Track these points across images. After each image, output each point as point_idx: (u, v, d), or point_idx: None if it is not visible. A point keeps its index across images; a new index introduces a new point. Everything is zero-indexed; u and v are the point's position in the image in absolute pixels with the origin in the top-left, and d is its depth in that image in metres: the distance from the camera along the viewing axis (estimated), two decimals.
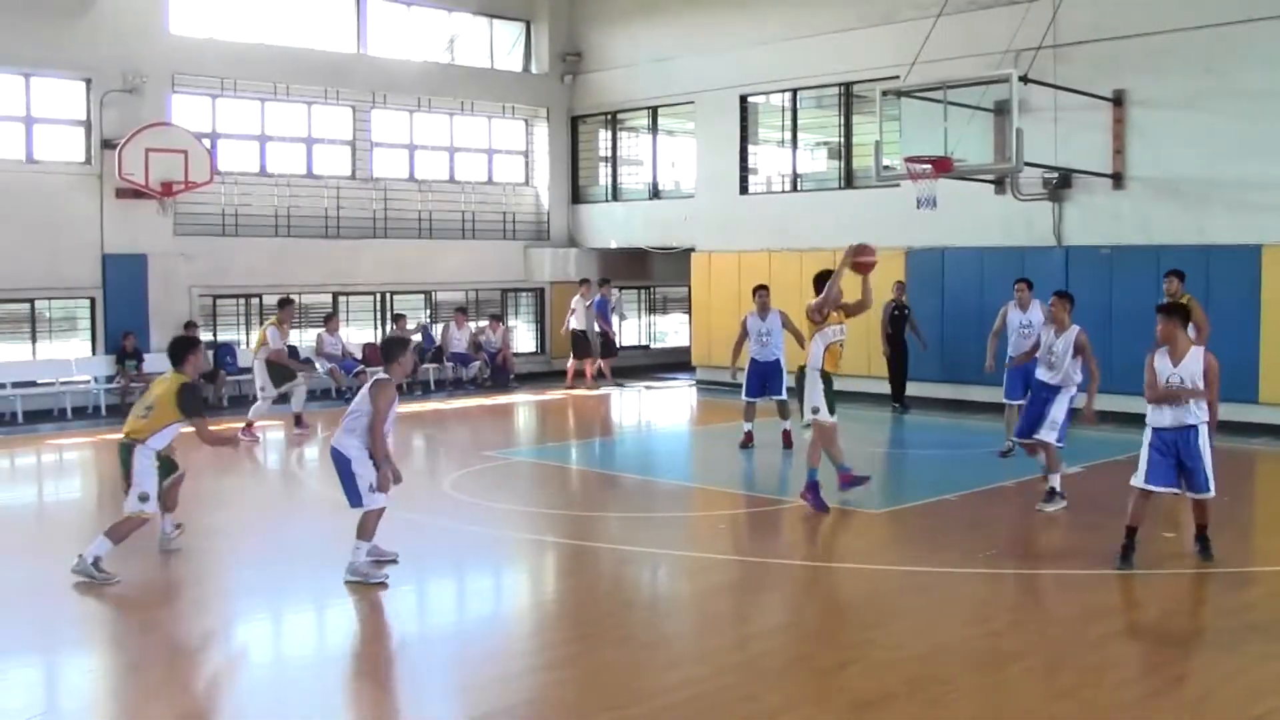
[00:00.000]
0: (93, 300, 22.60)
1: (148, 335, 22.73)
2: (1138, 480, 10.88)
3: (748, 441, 16.91)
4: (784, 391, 16.98)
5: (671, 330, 32.71)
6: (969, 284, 21.36)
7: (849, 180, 24.37)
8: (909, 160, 18.63)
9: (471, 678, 8.39)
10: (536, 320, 29.49)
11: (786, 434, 17.01)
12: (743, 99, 26.02)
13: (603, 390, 25.38)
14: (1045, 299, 20.17)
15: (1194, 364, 10.78)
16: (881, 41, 22.61)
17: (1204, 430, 10.78)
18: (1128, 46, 19.81)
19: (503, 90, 28.80)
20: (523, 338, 29.13)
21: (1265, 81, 18.56)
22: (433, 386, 25.34)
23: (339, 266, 25.69)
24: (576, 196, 29.90)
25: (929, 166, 18.44)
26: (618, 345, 27.33)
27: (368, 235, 26.34)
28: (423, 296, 27.42)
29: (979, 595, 10.22)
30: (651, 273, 29.51)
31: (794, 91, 25.26)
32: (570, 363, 26.22)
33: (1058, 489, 13.21)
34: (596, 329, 26.07)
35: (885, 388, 21.72)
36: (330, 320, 24.75)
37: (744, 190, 26.25)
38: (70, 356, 22.33)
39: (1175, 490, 10.91)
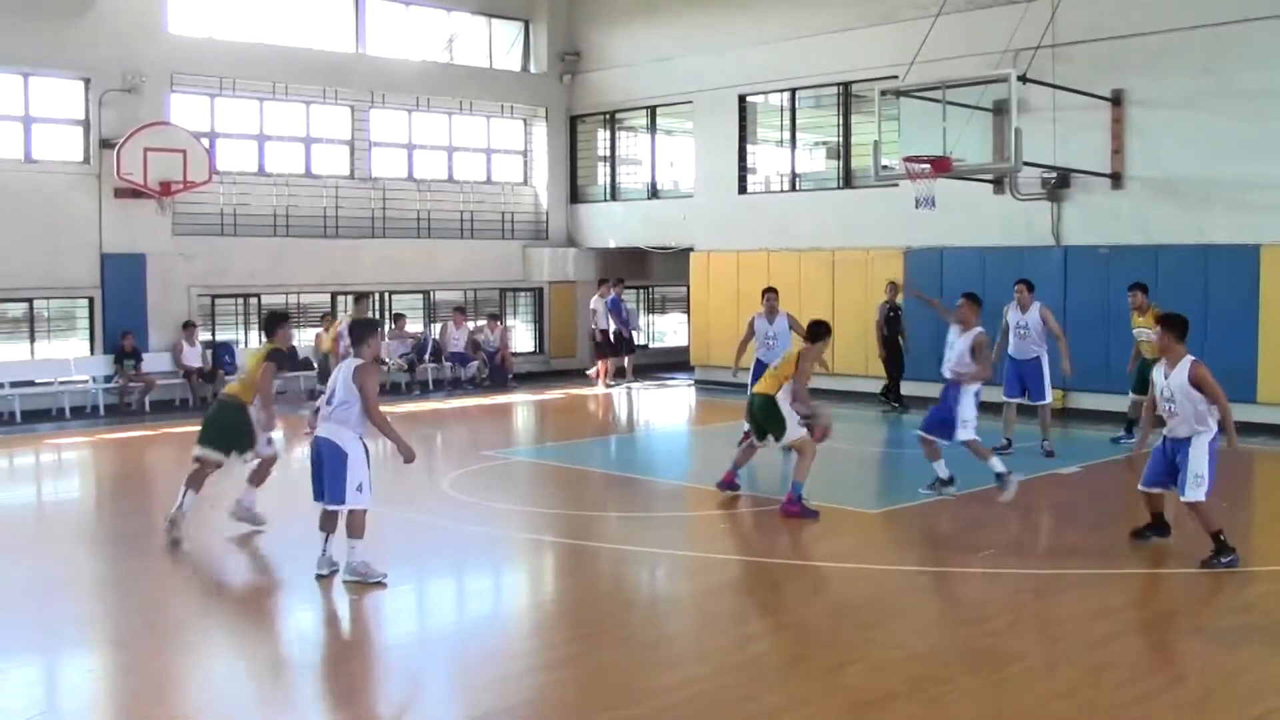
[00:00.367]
0: (91, 300, 22.58)
1: (146, 335, 22.74)
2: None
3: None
4: None
5: (670, 330, 32.71)
6: (968, 284, 21.08)
7: (848, 180, 24.37)
8: (908, 160, 18.64)
9: (471, 677, 8.38)
10: (535, 320, 29.48)
11: None
12: (741, 98, 26.02)
13: (609, 389, 25.34)
14: (1046, 299, 20.30)
15: (1181, 375, 10.79)
16: (880, 41, 22.62)
17: (1200, 439, 10.70)
18: (1126, 46, 19.82)
19: (501, 90, 28.79)
20: (521, 337, 29.12)
21: (1264, 81, 18.56)
22: (431, 386, 25.32)
23: (337, 266, 25.68)
24: (575, 196, 29.89)
25: (928, 166, 18.45)
26: (633, 343, 27.18)
27: (366, 235, 26.34)
28: (421, 296, 27.41)
29: (978, 595, 10.22)
30: (650, 272, 29.50)
31: (793, 91, 25.26)
32: (599, 364, 26.22)
33: (1003, 471, 13.35)
34: (612, 327, 26.07)
35: (879, 387, 21.73)
36: (327, 320, 24.76)
37: (743, 190, 26.25)
38: (69, 356, 22.32)
39: (1162, 489, 11.14)
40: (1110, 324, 19.87)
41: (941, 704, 7.50)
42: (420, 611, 10.31)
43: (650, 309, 32.02)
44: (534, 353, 29.15)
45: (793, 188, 25.68)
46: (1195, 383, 10.72)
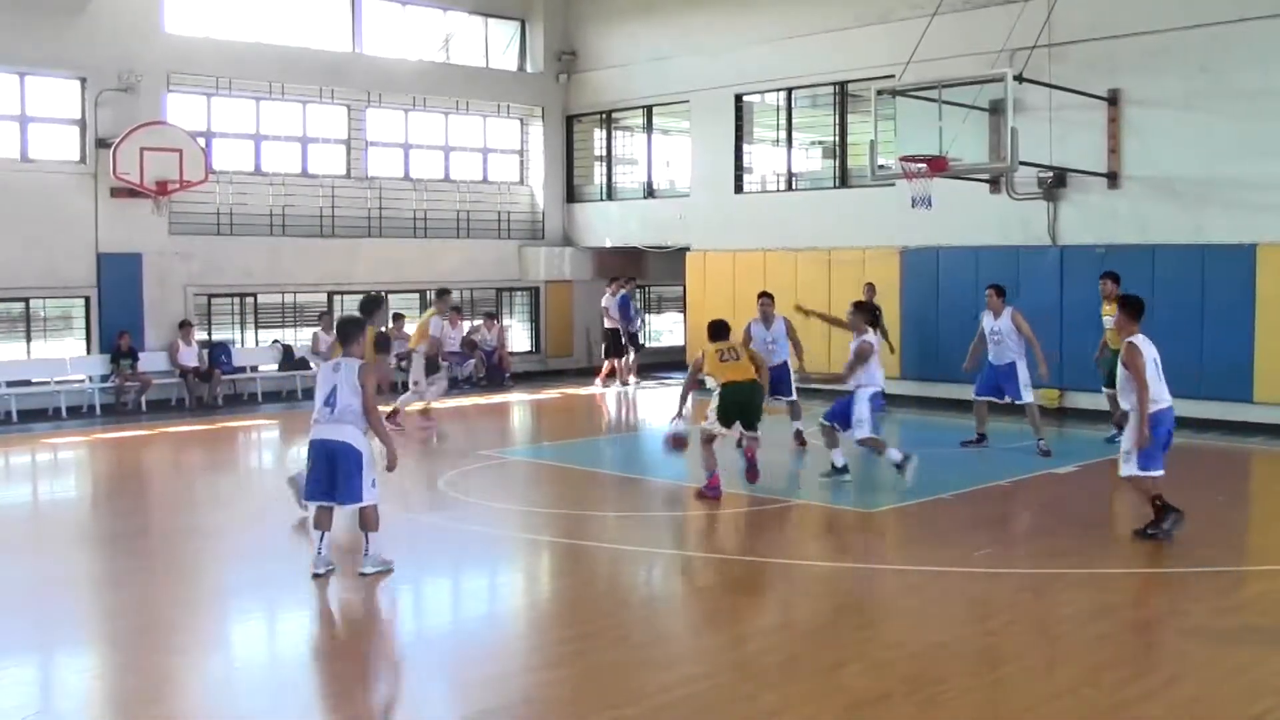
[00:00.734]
0: (87, 299, 22.58)
1: (142, 334, 22.73)
2: None
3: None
4: (794, 392, 17.20)
5: (666, 329, 32.71)
6: (964, 283, 21.33)
7: (844, 179, 24.37)
8: (904, 159, 18.64)
9: (468, 676, 8.38)
10: (531, 319, 29.48)
11: (799, 434, 17.07)
12: (738, 98, 26.02)
13: (613, 388, 25.32)
14: (1042, 299, 20.36)
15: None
16: (877, 41, 22.62)
17: (1132, 416, 11.36)
18: (1123, 46, 19.82)
19: (498, 89, 28.79)
20: (518, 337, 29.12)
21: (1260, 81, 18.56)
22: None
23: (334, 266, 25.68)
24: (572, 195, 29.89)
25: (924, 166, 18.45)
26: (639, 342, 27.08)
27: (363, 234, 26.33)
28: (418, 296, 27.39)
29: (975, 594, 10.22)
30: (646, 272, 29.50)
31: (789, 91, 25.26)
32: (608, 362, 26.18)
33: (899, 460, 14.08)
34: (616, 326, 26.03)
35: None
36: (325, 320, 24.77)
37: (739, 189, 26.25)
38: (65, 355, 22.31)
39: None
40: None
41: (938, 703, 7.50)
42: (417, 610, 10.31)
43: (646, 308, 32.00)
44: (530, 352, 29.15)
45: (789, 187, 25.68)
46: (1124, 362, 11.35)
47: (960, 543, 12.04)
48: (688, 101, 26.97)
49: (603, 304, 26.58)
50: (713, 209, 26.30)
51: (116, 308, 22.54)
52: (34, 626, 9.51)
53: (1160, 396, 11.28)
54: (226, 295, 24.51)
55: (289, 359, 24.45)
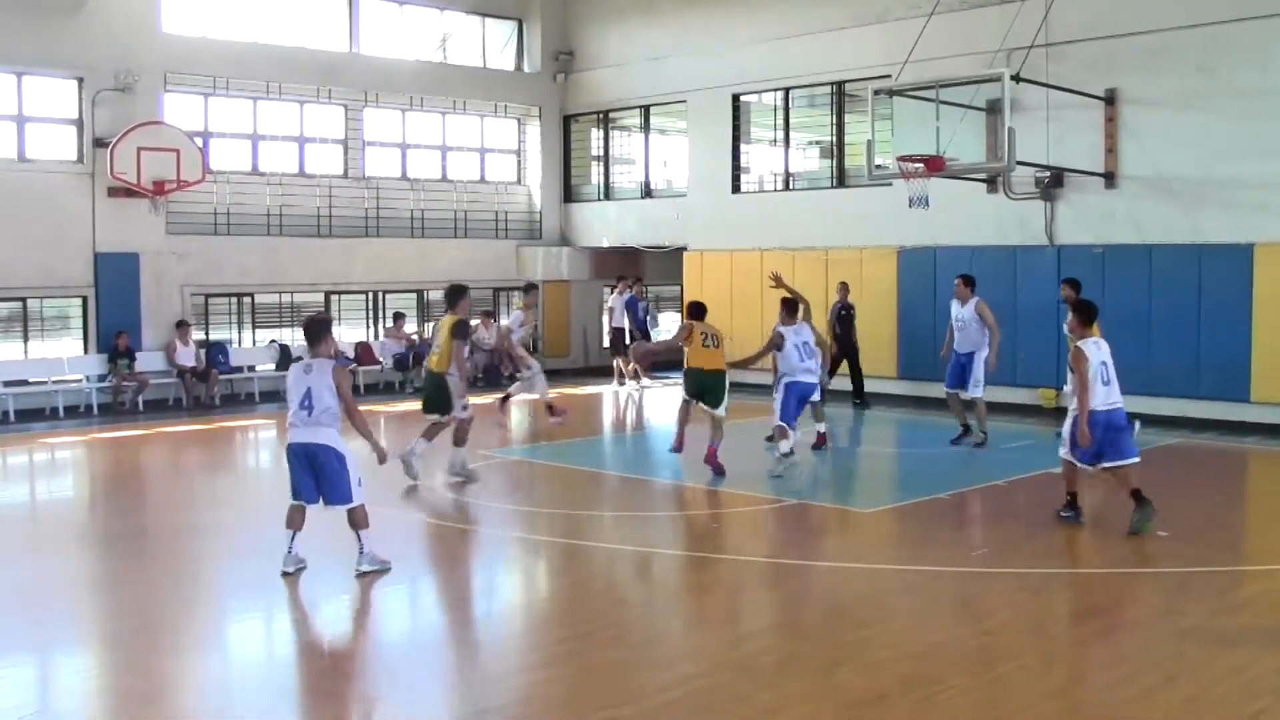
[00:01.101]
0: (85, 299, 22.57)
1: (140, 334, 22.72)
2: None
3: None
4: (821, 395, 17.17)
5: (664, 329, 32.65)
6: None
7: (841, 179, 24.39)
8: (901, 159, 18.65)
9: (464, 676, 8.39)
10: None
11: (821, 436, 17.07)
12: (735, 98, 26.03)
13: (627, 385, 25.26)
14: (1039, 298, 20.40)
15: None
16: (874, 40, 22.65)
17: (1070, 412, 12.33)
18: (1120, 45, 19.84)
19: (495, 89, 28.79)
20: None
21: (1257, 80, 18.58)
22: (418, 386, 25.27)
23: (331, 265, 25.68)
24: (569, 195, 29.90)
25: (921, 165, 18.45)
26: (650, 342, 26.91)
27: (360, 234, 26.34)
28: (415, 296, 27.40)
29: (971, 594, 10.22)
30: (644, 272, 29.49)
31: (786, 90, 25.28)
32: (617, 361, 26.13)
33: (786, 452, 14.91)
34: (628, 325, 25.98)
35: (849, 385, 21.76)
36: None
37: (736, 189, 26.27)
38: (63, 355, 22.30)
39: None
40: (1104, 324, 19.82)
41: (934, 703, 7.50)
42: (414, 610, 10.31)
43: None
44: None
45: (786, 187, 25.70)
46: (1070, 364, 12.23)
47: (957, 542, 12.06)
48: (685, 101, 26.99)
49: (609, 304, 26.55)
50: (710, 209, 26.31)
51: (114, 307, 22.53)
52: (32, 626, 9.50)
53: (1105, 399, 12.00)
54: (224, 295, 24.51)
55: (286, 359, 24.42)
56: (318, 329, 10.72)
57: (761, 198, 26.10)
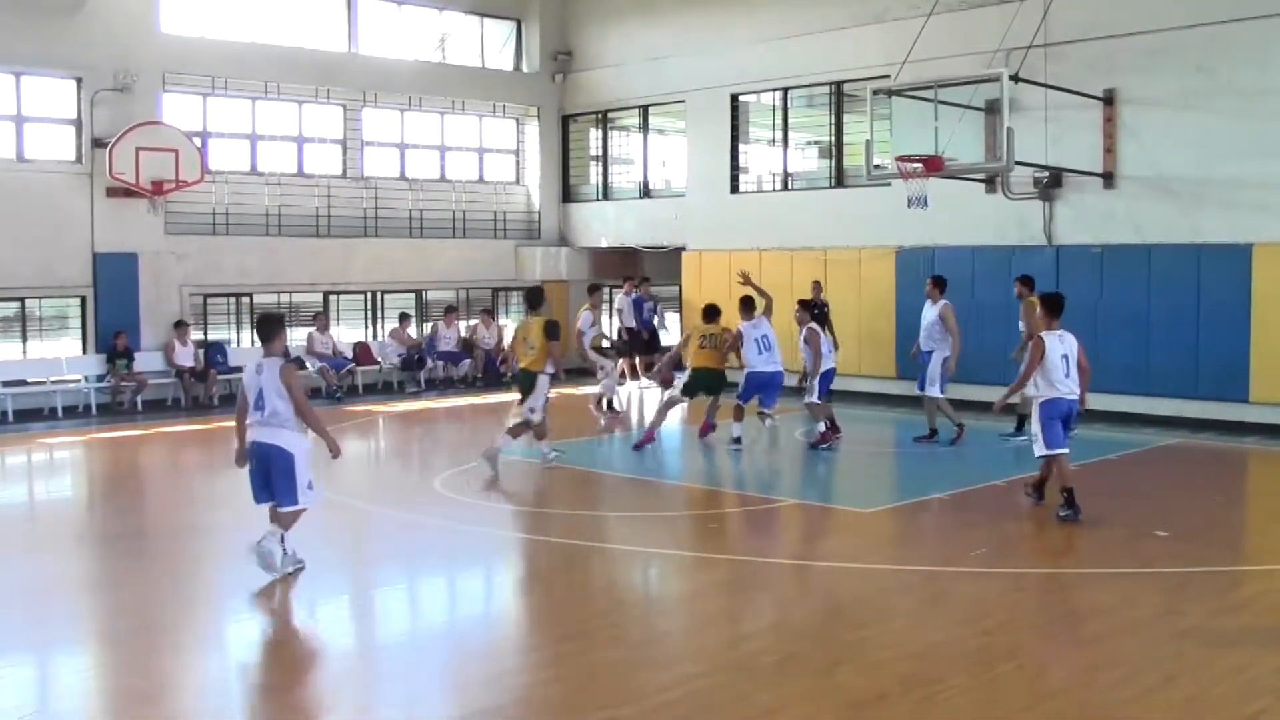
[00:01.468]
0: (84, 299, 22.55)
1: (138, 334, 22.71)
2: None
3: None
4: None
5: (662, 329, 32.61)
6: (960, 283, 21.30)
7: (840, 179, 24.39)
8: (900, 159, 18.63)
9: (463, 676, 8.38)
10: None
11: (824, 434, 17.30)
12: (734, 98, 26.03)
13: (640, 383, 25.21)
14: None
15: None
16: (872, 40, 22.65)
17: (1034, 404, 12.74)
18: (1119, 45, 19.84)
19: (494, 89, 28.78)
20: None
21: (1257, 81, 18.58)
22: (423, 385, 25.28)
23: (330, 265, 25.68)
24: (567, 195, 29.89)
25: (920, 165, 18.44)
26: (656, 342, 26.74)
27: (359, 234, 26.33)
28: (413, 295, 27.39)
29: (971, 594, 10.22)
30: (642, 271, 29.48)
31: (785, 90, 25.27)
32: (622, 362, 26.03)
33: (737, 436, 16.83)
34: (632, 325, 25.90)
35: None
36: (320, 319, 24.77)
37: (735, 189, 26.27)
38: (61, 355, 22.29)
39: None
40: (1103, 324, 19.91)
41: (934, 703, 7.50)
42: (412, 610, 10.30)
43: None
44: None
45: (785, 187, 25.70)
46: (1030, 350, 12.88)
47: (956, 542, 12.05)
48: (683, 101, 26.98)
49: (616, 305, 26.52)
50: (709, 209, 26.31)
51: (112, 308, 22.51)
52: (30, 626, 9.50)
53: (1067, 389, 12.50)
54: (222, 295, 24.48)
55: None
56: (269, 327, 10.62)
57: (760, 198, 26.10)
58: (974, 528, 12.70)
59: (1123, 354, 19.82)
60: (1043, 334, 12.70)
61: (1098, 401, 19.91)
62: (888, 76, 20.36)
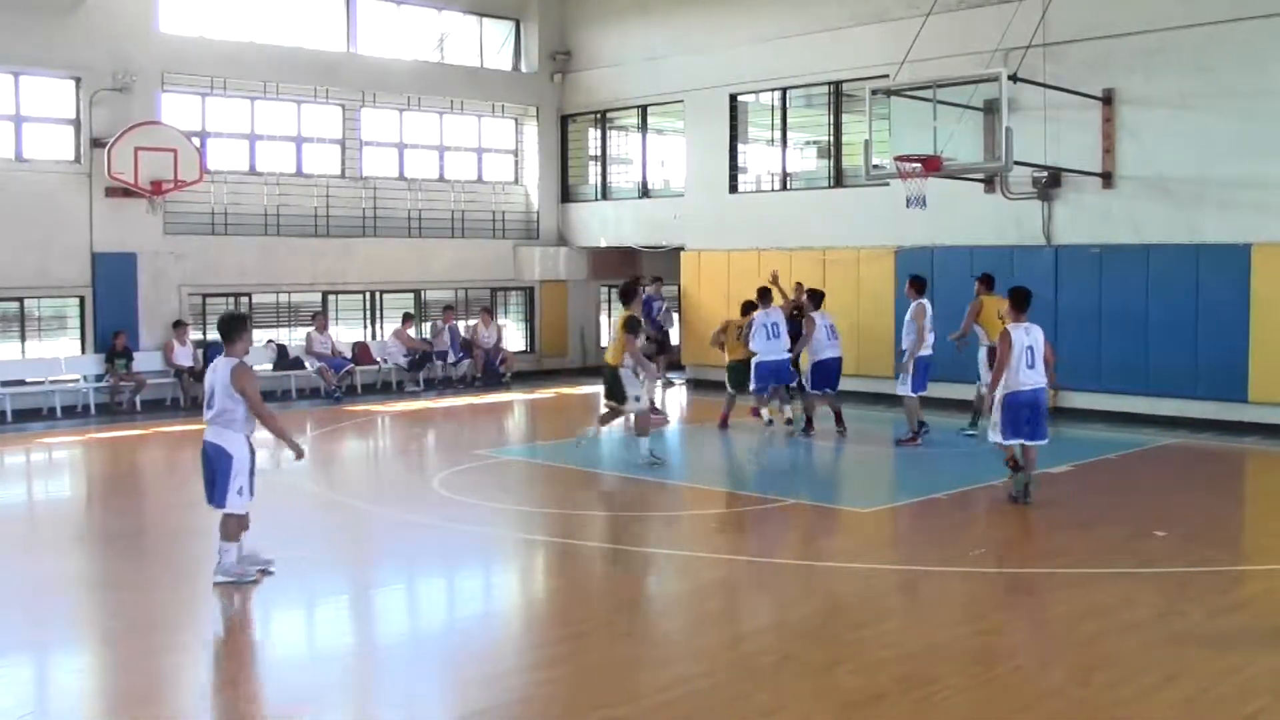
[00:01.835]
0: (82, 299, 22.54)
1: (137, 334, 22.70)
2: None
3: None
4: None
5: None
6: (959, 283, 21.31)
7: (839, 179, 24.38)
8: (899, 159, 18.62)
9: (462, 676, 8.38)
10: (526, 319, 29.48)
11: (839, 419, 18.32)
12: (732, 98, 26.02)
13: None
14: (1036, 298, 20.38)
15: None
16: (871, 40, 22.64)
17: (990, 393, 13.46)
18: (1118, 45, 19.84)
19: (492, 89, 28.77)
20: (512, 336, 29.09)
21: (1255, 80, 18.58)
22: (422, 386, 25.27)
23: (329, 265, 25.67)
24: (566, 195, 29.89)
25: (919, 165, 18.43)
26: (666, 343, 26.61)
27: (357, 234, 26.31)
28: (412, 295, 27.38)
29: (969, 594, 10.23)
30: (641, 271, 29.48)
31: (784, 90, 25.27)
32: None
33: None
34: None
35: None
36: (319, 319, 24.77)
37: (733, 189, 26.26)
38: (60, 355, 22.28)
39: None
40: (1101, 324, 19.93)
41: (932, 703, 7.51)
42: (411, 610, 10.30)
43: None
44: (525, 351, 29.12)
45: (784, 187, 25.68)
46: (997, 345, 13.35)
47: (954, 542, 12.06)
48: (682, 101, 26.97)
49: None
50: (707, 209, 26.30)
51: (111, 307, 22.51)
52: (29, 626, 9.50)
53: (1025, 380, 12.95)
54: (221, 295, 24.47)
55: (283, 359, 24.44)
56: (231, 327, 10.53)
57: (759, 198, 26.09)
58: (973, 528, 12.72)
59: (1121, 354, 19.84)
60: (1008, 327, 13.12)
61: (1097, 401, 20.11)
62: (886, 76, 20.36)
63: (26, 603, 10.12)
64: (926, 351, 17.42)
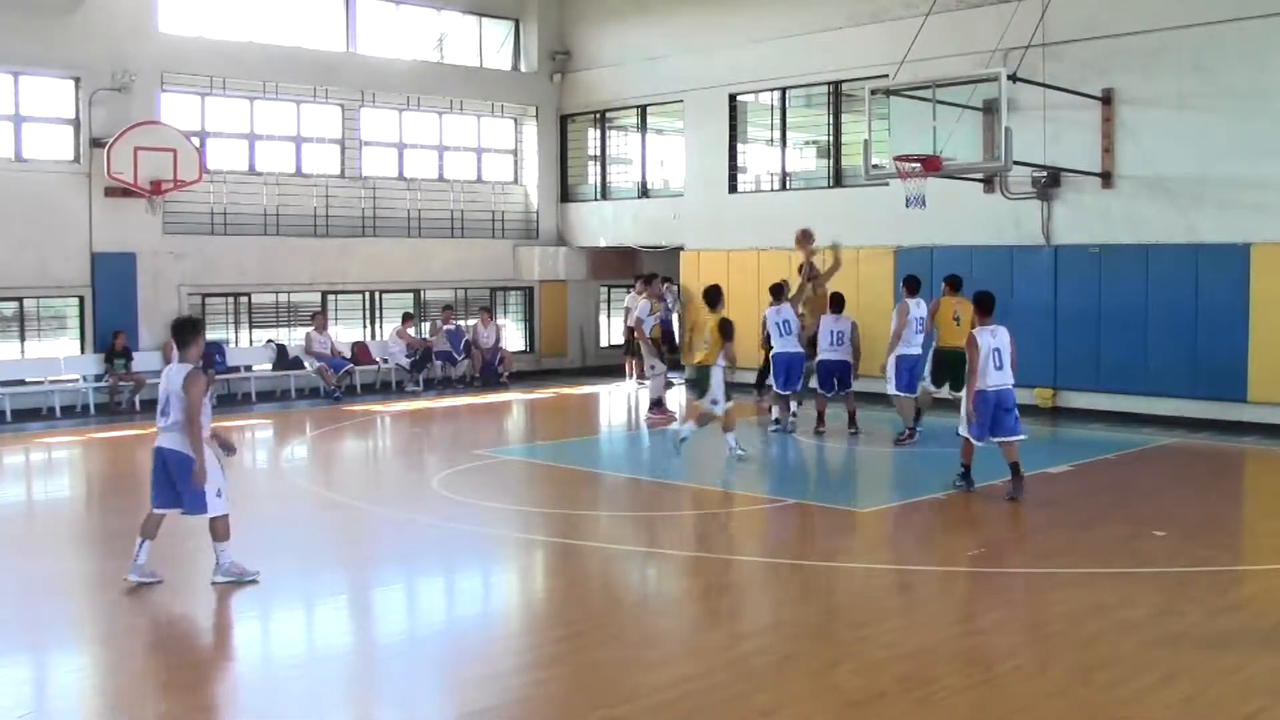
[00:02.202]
0: (81, 299, 22.54)
1: (137, 334, 22.70)
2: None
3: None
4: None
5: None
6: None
7: (838, 179, 24.39)
8: (898, 159, 18.63)
9: (461, 676, 8.38)
10: (525, 319, 29.48)
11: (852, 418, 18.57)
12: (732, 98, 26.03)
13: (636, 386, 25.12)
14: (1036, 298, 20.43)
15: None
16: (870, 40, 22.64)
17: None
18: (1117, 45, 19.84)
19: (492, 89, 28.78)
20: (511, 336, 29.08)
21: (1254, 80, 18.59)
22: (422, 386, 25.26)
23: (328, 265, 25.67)
24: (565, 195, 29.89)
25: (918, 165, 18.43)
26: (672, 343, 26.49)
27: (357, 234, 26.32)
28: (412, 295, 27.38)
29: (968, 594, 10.23)
30: (640, 271, 29.46)
31: (783, 90, 25.27)
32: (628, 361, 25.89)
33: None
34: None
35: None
36: (318, 319, 24.76)
37: (733, 189, 26.26)
38: (59, 355, 22.28)
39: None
40: (1101, 323, 19.94)
41: (931, 703, 7.50)
42: (410, 610, 10.30)
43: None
44: (524, 351, 29.12)
45: (783, 187, 25.69)
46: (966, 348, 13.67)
47: (953, 542, 12.06)
48: (682, 101, 26.98)
49: (625, 304, 26.39)
50: (707, 208, 26.31)
51: (110, 307, 22.50)
52: (28, 626, 9.50)
53: (995, 380, 13.34)
54: (220, 295, 24.48)
55: (283, 359, 24.43)
56: (184, 333, 10.47)
57: (758, 197, 26.09)
58: (971, 527, 12.72)
59: (1121, 354, 19.85)
60: (974, 331, 13.50)
61: (1096, 401, 20.13)
62: (886, 76, 20.36)
63: (25, 603, 10.12)
64: (914, 351, 17.40)
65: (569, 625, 9.41)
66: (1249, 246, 18.65)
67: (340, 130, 26.44)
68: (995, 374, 13.34)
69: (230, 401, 23.30)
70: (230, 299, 24.67)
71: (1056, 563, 10.96)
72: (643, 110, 28.20)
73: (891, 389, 17.61)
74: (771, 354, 18.15)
